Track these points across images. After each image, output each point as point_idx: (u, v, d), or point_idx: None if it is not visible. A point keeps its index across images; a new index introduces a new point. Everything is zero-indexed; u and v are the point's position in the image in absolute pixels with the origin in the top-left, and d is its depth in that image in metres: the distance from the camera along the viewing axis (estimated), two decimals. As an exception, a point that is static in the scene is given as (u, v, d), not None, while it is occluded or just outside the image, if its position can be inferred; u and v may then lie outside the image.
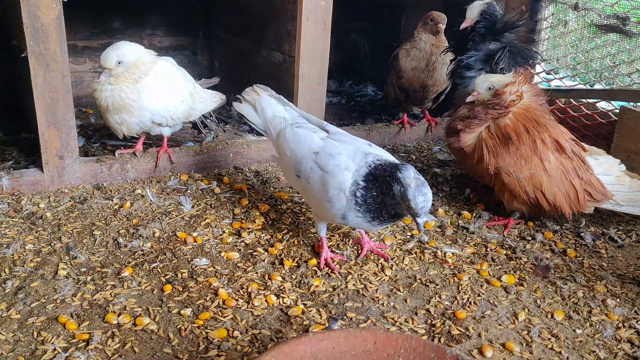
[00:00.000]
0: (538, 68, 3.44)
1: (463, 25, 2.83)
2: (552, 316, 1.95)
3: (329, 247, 2.23)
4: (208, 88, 3.13)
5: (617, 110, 2.99)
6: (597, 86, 3.18)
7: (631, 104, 2.92)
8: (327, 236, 2.34)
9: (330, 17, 2.96)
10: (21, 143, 3.05)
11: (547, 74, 3.43)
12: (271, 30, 3.31)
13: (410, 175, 1.80)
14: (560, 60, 3.33)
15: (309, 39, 2.95)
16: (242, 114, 2.38)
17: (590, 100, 3.15)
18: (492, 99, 2.42)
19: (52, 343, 1.67)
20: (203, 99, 2.92)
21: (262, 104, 2.30)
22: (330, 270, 2.12)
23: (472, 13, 2.79)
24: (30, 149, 2.95)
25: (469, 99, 2.50)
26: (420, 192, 1.78)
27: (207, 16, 4.08)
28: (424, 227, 2.46)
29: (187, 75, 2.83)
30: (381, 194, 1.86)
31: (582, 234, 2.49)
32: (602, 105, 3.13)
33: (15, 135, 3.15)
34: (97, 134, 3.29)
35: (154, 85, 2.59)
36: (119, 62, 2.51)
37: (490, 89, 2.45)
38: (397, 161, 1.96)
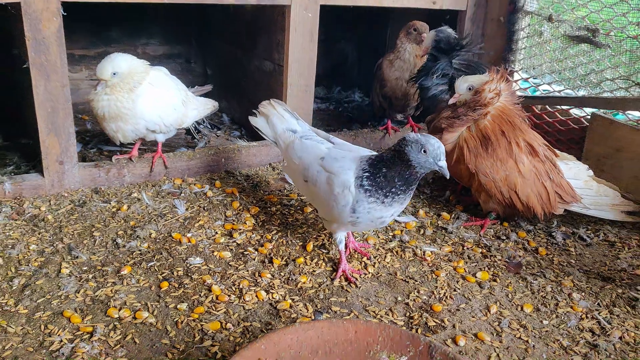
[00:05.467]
0: (516, 76, 3.61)
1: (422, 54, 3.15)
2: (522, 309, 2.11)
3: (318, 247, 2.38)
4: (201, 95, 3.27)
5: (589, 117, 3.16)
6: (570, 93, 3.36)
7: (601, 111, 3.10)
8: (314, 236, 2.49)
9: (317, 29, 3.11)
10: (21, 148, 3.18)
11: (525, 81, 3.60)
12: (262, 39, 3.46)
13: (414, 135, 2.00)
14: (536, 68, 3.50)
15: (296, 49, 3.10)
16: (257, 127, 2.56)
17: (564, 107, 3.32)
18: (473, 97, 2.58)
19: (58, 335, 1.80)
20: (195, 106, 3.06)
21: (273, 119, 2.49)
22: (347, 282, 2.20)
23: (427, 42, 3.10)
24: (30, 154, 3.09)
25: (451, 101, 2.66)
26: (429, 140, 1.97)
27: (201, 25, 4.22)
28: (406, 227, 2.64)
29: (180, 84, 2.98)
30: (392, 165, 2.00)
31: (553, 234, 2.65)
32: (575, 111, 3.30)
33: (16, 140, 3.27)
34: (94, 140, 3.42)
35: (147, 94, 2.73)
36: (114, 73, 2.64)
37: (470, 89, 2.61)
38: None
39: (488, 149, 2.52)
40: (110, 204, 2.66)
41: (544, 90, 3.54)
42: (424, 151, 1.96)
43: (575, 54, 3.24)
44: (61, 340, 1.78)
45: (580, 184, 2.61)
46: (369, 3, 3.28)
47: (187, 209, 2.66)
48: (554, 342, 1.93)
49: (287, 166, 2.46)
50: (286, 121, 2.48)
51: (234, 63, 3.89)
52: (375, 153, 2.17)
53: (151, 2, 2.73)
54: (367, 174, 2.05)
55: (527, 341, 1.93)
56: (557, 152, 2.68)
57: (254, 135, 3.66)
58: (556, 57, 3.36)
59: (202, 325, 1.90)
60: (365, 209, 2.07)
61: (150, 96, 2.73)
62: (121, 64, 2.65)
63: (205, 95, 3.36)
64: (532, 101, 3.43)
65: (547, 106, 3.42)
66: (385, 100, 3.60)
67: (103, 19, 3.81)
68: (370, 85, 3.96)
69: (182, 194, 2.80)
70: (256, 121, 2.57)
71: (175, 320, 1.92)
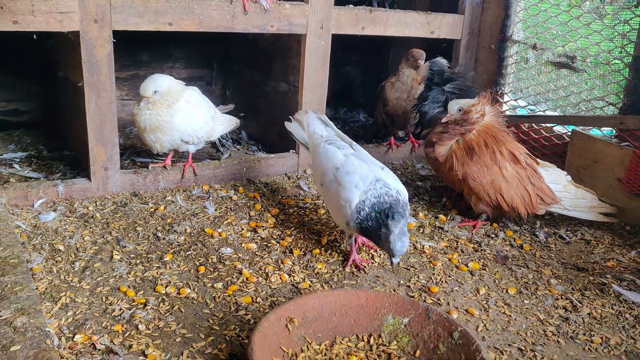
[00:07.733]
0: (505, 97, 4.03)
1: (420, 82, 3.58)
2: (507, 291, 2.46)
3: (331, 241, 2.75)
4: (225, 113, 3.67)
5: (569, 133, 3.55)
6: (553, 112, 3.76)
7: (580, 127, 3.49)
8: (327, 232, 2.86)
9: (329, 54, 3.53)
10: (65, 159, 3.57)
11: (514, 102, 4.01)
12: (278, 63, 3.88)
13: (399, 225, 2.22)
14: (524, 90, 3.91)
15: (310, 72, 3.52)
16: (290, 131, 2.89)
17: (548, 125, 3.72)
18: (462, 117, 2.99)
19: (118, 304, 2.16)
20: (222, 122, 3.46)
21: (308, 120, 2.81)
22: (357, 269, 2.55)
23: (423, 72, 3.51)
24: (72, 163, 3.48)
25: (444, 120, 3.08)
26: (399, 239, 2.21)
27: (222, 51, 4.66)
28: (407, 226, 3.00)
29: (210, 102, 3.38)
30: (373, 228, 2.29)
31: (536, 233, 3.02)
32: (558, 128, 3.70)
33: (59, 152, 3.67)
34: (127, 152, 3.81)
35: (183, 110, 3.13)
36: (155, 92, 3.05)
37: (460, 110, 3.02)
38: (396, 198, 2.33)
39: (473, 157, 2.92)
40: (148, 205, 3.04)
41: (530, 110, 3.94)
42: (388, 245, 2.22)
43: (557, 78, 3.66)
44: (121, 309, 2.14)
45: (560, 187, 2.98)
46: (375, 33, 3.70)
47: (216, 210, 3.03)
48: (532, 316, 2.29)
49: (312, 165, 2.78)
50: (316, 126, 2.79)
51: (252, 84, 4.30)
52: (382, 176, 2.39)
53: (185, 30, 3.14)
54: (364, 213, 2.30)
55: (509, 315, 2.29)
56: (538, 160, 3.06)
57: (269, 149, 4.06)
58: (540, 81, 3.78)
59: (236, 299, 2.26)
60: (353, 226, 2.38)
61: (186, 112, 3.13)
62: (162, 84, 3.05)
63: (227, 113, 3.76)
64: (520, 119, 3.84)
65: (533, 124, 3.82)
66: (388, 118, 4.00)
67: (135, 44, 4.24)
68: (373, 106, 4.37)
69: (210, 198, 3.18)
70: (290, 126, 2.92)
71: (213, 295, 2.28)
